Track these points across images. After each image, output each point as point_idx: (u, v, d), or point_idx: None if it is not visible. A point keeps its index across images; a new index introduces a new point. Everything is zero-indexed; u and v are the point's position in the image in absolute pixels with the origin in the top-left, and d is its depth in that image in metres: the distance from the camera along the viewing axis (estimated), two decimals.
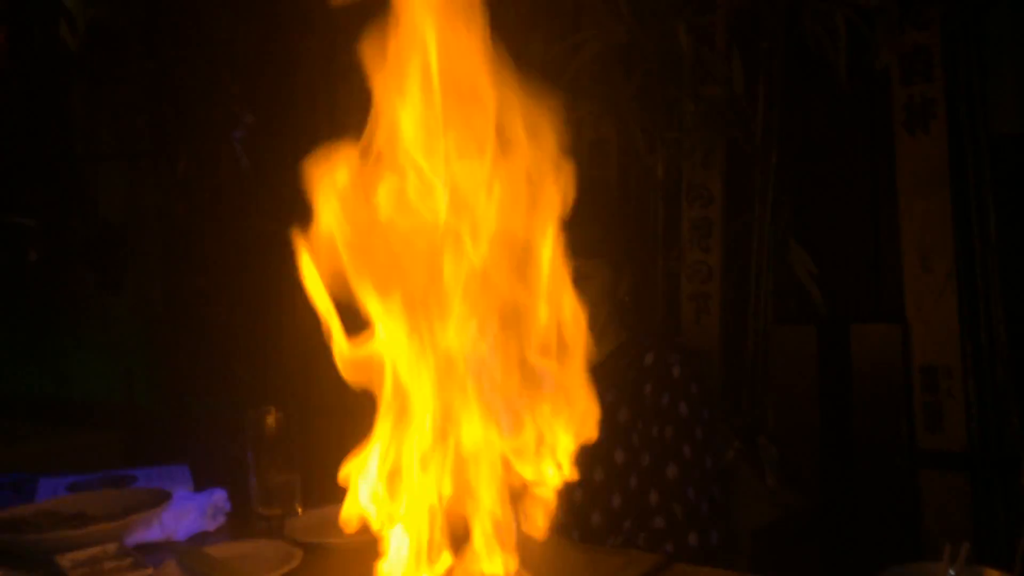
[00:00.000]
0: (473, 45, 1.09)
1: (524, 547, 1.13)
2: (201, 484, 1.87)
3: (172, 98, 3.53)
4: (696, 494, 1.72)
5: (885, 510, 2.17)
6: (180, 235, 3.63)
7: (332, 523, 1.63)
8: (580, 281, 1.83)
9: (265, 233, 3.32)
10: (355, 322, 1.20)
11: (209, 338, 3.52)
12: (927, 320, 2.12)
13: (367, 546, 1.52)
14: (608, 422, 1.80)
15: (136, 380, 3.81)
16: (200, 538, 1.66)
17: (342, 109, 3.12)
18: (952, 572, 1.11)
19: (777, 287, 2.37)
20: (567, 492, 1.71)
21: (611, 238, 1.91)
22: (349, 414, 3.19)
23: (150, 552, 1.56)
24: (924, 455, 2.10)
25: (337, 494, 1.78)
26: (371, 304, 1.14)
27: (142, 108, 3.69)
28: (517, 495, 1.14)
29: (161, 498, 1.69)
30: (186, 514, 1.69)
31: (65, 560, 1.46)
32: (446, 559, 1.13)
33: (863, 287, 2.34)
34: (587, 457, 1.76)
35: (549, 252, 1.15)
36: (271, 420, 1.74)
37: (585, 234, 1.83)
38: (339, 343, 1.17)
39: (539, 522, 1.13)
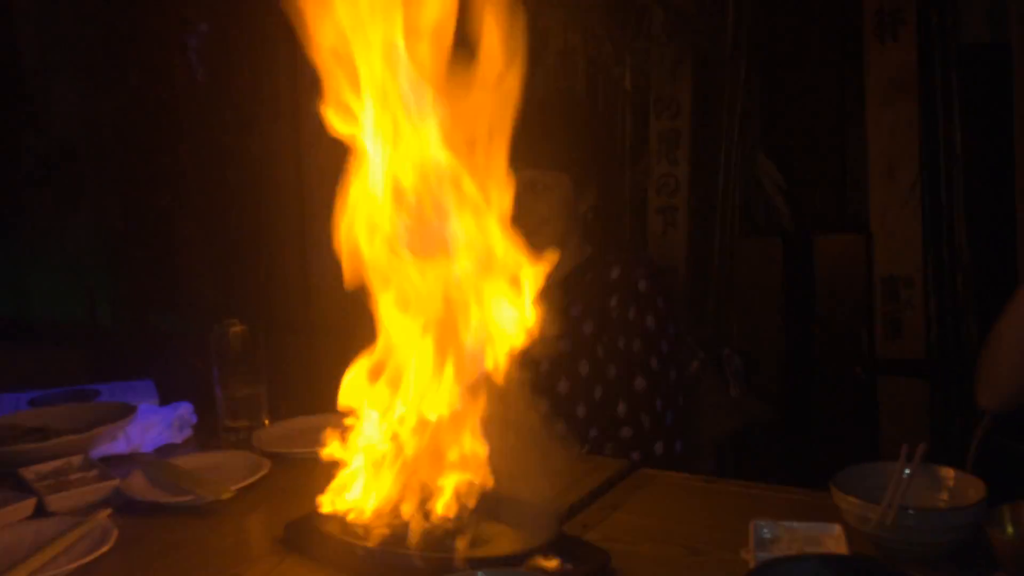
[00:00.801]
0: None
1: (491, 453, 1.14)
2: (166, 399, 1.86)
3: (122, 4, 3.38)
4: (663, 405, 1.74)
5: (845, 417, 2.23)
6: (137, 151, 3.53)
7: (299, 434, 1.64)
8: (540, 192, 1.82)
9: (224, 147, 3.24)
10: None
11: (171, 255, 3.47)
12: (890, 230, 2.14)
13: (333, 455, 1.54)
14: (574, 335, 1.81)
15: (98, 298, 3.76)
16: (167, 450, 1.65)
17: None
18: (908, 471, 1.14)
19: (744, 200, 2.37)
20: (534, 402, 1.74)
21: (574, 150, 1.88)
22: (315, 330, 3.21)
23: (116, 464, 1.55)
24: (883, 363, 2.14)
25: (303, 406, 1.78)
26: None
27: (91, 17, 3.53)
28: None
29: (126, 411, 1.67)
30: (152, 427, 1.68)
31: (29, 472, 1.45)
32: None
33: (829, 199, 2.35)
34: (552, 368, 1.79)
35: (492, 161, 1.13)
36: (236, 334, 1.73)
37: (546, 145, 1.80)
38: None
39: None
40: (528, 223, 1.81)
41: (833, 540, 1.08)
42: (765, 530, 1.11)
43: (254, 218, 3.23)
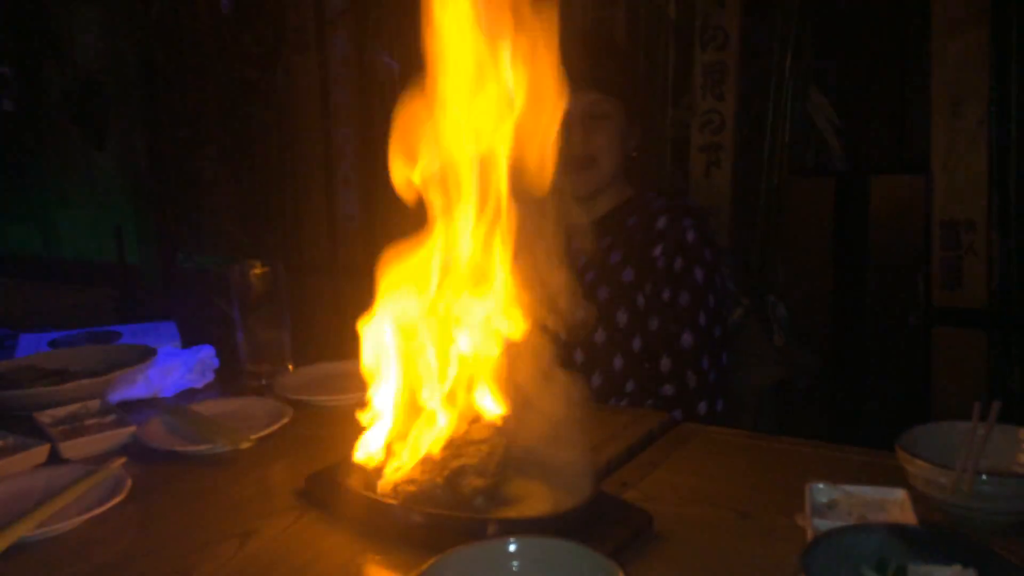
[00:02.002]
0: None
1: (523, 409, 1.06)
2: (189, 342, 1.80)
3: None
4: (709, 363, 1.66)
5: (896, 369, 2.12)
6: (160, 85, 3.44)
7: (323, 381, 1.57)
8: (597, 120, 1.71)
9: (248, 81, 3.14)
10: None
11: (196, 193, 3.40)
12: (952, 171, 1.99)
13: (358, 405, 1.47)
14: (612, 282, 1.71)
15: (126, 237, 3.72)
16: (188, 395, 1.60)
17: None
18: (981, 431, 1.04)
19: (794, 138, 2.23)
20: (566, 353, 1.65)
21: (623, 77, 1.75)
22: (341, 272, 3.14)
23: (135, 409, 1.51)
24: (939, 313, 2.02)
25: (328, 352, 1.71)
26: None
27: None
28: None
29: (146, 354, 1.62)
30: (172, 370, 1.63)
31: (44, 416, 1.40)
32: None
33: (886, 137, 2.20)
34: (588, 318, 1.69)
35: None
36: (256, 276, 1.65)
37: (598, 70, 1.68)
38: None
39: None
40: (580, 158, 1.71)
41: (898, 507, 0.98)
42: (821, 493, 1.02)
43: (279, 155, 3.15)
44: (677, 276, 1.66)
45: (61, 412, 1.42)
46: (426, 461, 1.03)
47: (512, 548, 0.78)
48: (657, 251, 1.68)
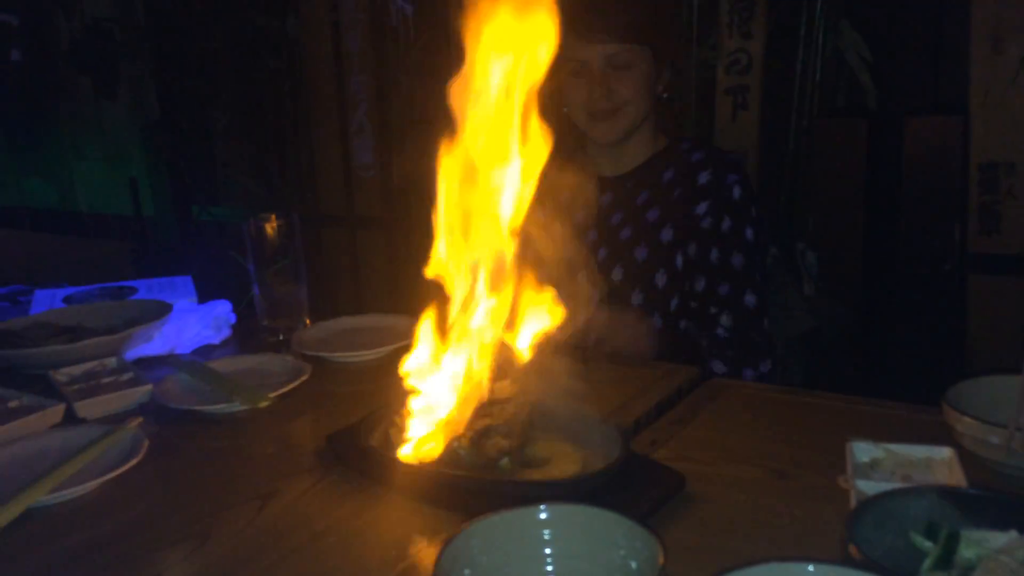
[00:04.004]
0: None
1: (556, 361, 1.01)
2: (206, 297, 1.77)
3: None
4: (769, 321, 1.62)
5: (930, 319, 2.05)
6: (170, 33, 3.36)
7: (341, 336, 1.54)
8: (620, 70, 1.63)
9: (259, 29, 3.06)
10: None
11: (209, 143, 3.34)
12: (992, 111, 1.91)
13: (378, 361, 1.44)
14: (650, 242, 1.64)
15: (142, 190, 3.68)
16: (204, 351, 1.57)
17: None
18: None
19: (825, 77, 2.14)
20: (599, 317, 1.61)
21: (650, 18, 1.67)
22: (359, 223, 3.09)
23: (151, 366, 1.48)
24: (976, 259, 1.95)
25: (347, 306, 1.68)
26: None
27: None
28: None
29: (162, 310, 1.59)
30: (189, 326, 1.60)
31: (60, 375, 1.38)
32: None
33: (922, 76, 2.11)
34: (626, 279, 1.63)
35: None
36: (272, 229, 1.61)
37: (622, 15, 1.60)
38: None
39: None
40: (605, 107, 1.63)
41: (945, 466, 0.94)
42: (863, 452, 0.98)
43: (292, 104, 3.08)
44: (725, 236, 1.60)
45: (77, 370, 1.40)
46: (450, 421, 0.99)
47: (543, 516, 0.74)
48: (701, 209, 1.61)
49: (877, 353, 2.13)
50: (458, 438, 0.98)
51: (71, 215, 4.05)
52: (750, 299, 1.59)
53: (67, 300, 1.78)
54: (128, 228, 3.64)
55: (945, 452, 0.95)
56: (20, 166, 4.20)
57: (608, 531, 0.73)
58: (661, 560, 0.66)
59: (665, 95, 1.71)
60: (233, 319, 1.65)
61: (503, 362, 1.04)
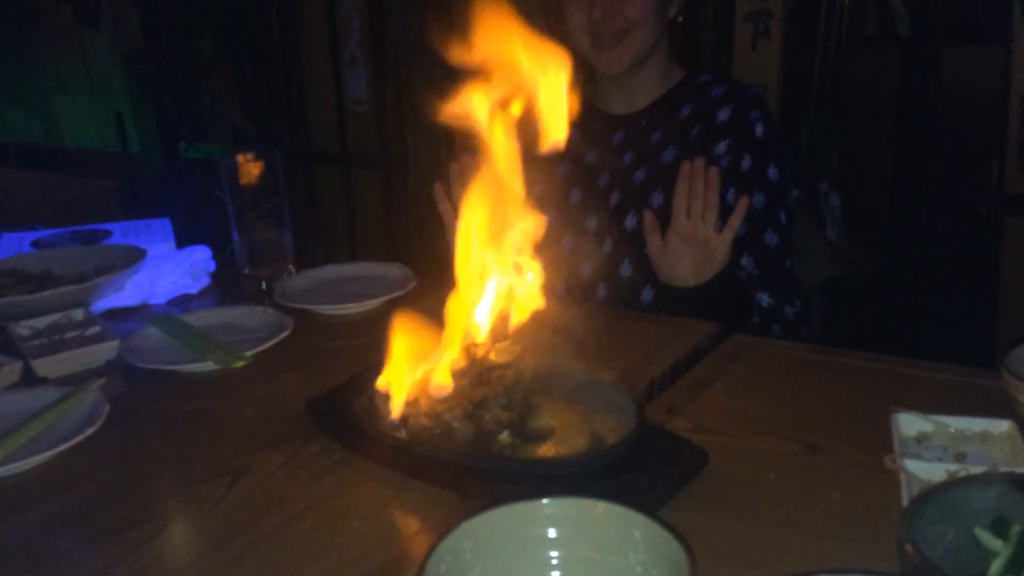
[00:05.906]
0: None
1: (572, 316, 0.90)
2: (189, 241, 1.64)
3: None
4: (791, 263, 1.50)
5: (962, 265, 1.93)
6: None
7: (328, 286, 1.42)
8: None
9: None
10: None
11: (196, 76, 3.18)
12: None
13: (368, 314, 1.32)
14: (666, 184, 1.51)
15: (127, 125, 3.52)
16: (180, 302, 1.45)
17: None
18: None
19: (854, 2, 1.98)
20: (612, 267, 1.49)
21: None
22: (352, 161, 2.94)
23: (121, 318, 1.37)
24: (1014, 200, 1.82)
25: (337, 253, 1.57)
26: None
27: None
28: None
29: (135, 256, 1.47)
30: (164, 274, 1.48)
31: (21, 328, 1.27)
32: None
33: (959, 1, 1.94)
34: (640, 226, 1.50)
35: None
36: (253, 168, 1.47)
37: None
38: None
39: None
40: (610, 30, 1.48)
41: (1005, 442, 0.83)
42: (909, 424, 0.86)
43: (281, 36, 2.90)
44: (746, 176, 1.47)
45: (40, 323, 1.29)
46: (444, 389, 0.88)
47: (547, 511, 0.63)
48: (721, 148, 1.48)
49: (904, 302, 2.01)
50: (452, 409, 0.87)
51: (57, 151, 3.90)
52: (771, 238, 1.47)
53: (35, 244, 1.66)
54: (115, 165, 3.50)
55: (1004, 425, 0.84)
56: (1, 99, 4.04)
57: (625, 530, 0.62)
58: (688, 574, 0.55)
59: (679, 18, 1.56)
60: (212, 266, 1.53)
61: (504, 321, 0.92)
